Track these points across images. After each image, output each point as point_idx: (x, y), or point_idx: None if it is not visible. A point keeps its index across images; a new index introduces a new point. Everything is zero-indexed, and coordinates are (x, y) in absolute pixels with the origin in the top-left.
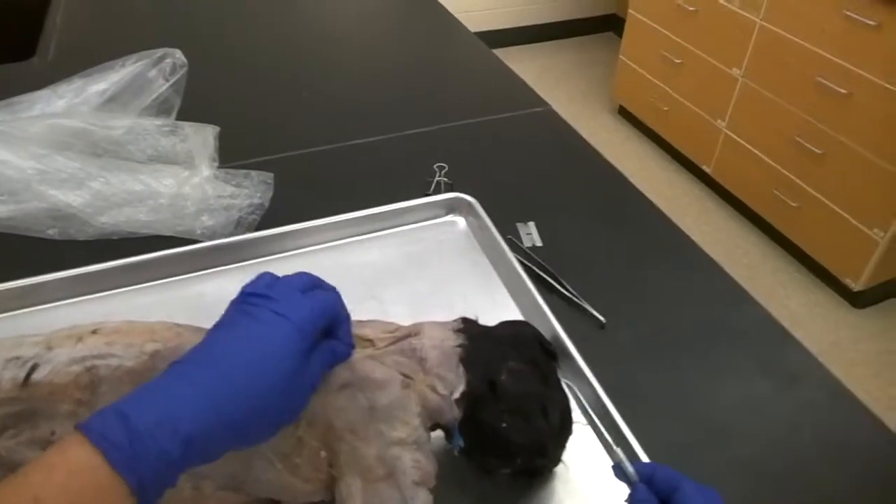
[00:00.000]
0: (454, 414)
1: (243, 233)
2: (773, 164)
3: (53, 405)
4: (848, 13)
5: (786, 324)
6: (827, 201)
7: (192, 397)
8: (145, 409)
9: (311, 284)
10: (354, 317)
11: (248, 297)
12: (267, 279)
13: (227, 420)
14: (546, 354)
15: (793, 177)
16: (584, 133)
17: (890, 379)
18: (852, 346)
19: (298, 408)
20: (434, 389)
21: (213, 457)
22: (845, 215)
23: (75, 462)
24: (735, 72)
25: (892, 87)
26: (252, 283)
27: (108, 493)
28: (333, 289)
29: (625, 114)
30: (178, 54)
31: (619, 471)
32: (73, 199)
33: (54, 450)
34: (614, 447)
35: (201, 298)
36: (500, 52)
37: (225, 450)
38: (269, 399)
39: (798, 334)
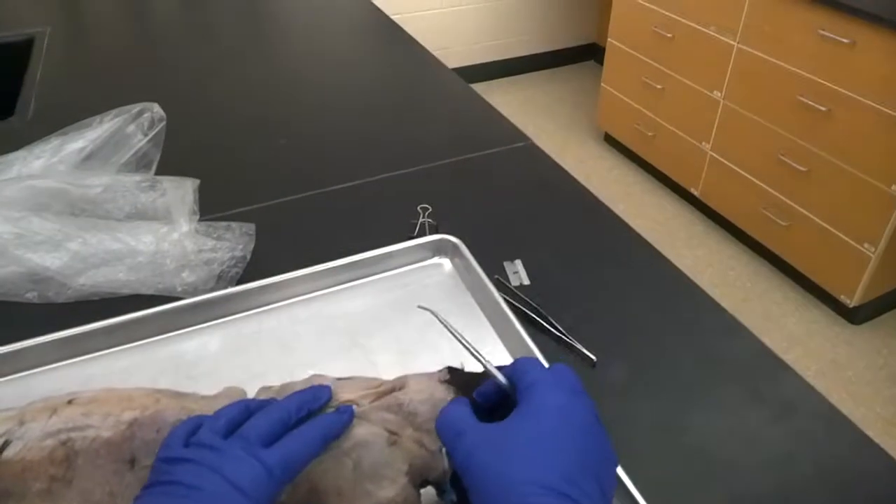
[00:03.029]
0: (444, 468)
1: (225, 287)
2: (760, 183)
3: (26, 483)
4: (823, 32)
5: (783, 343)
6: (816, 218)
7: None
8: None
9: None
10: (339, 366)
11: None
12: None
13: None
14: None
15: (780, 195)
16: (572, 161)
17: (890, 395)
18: (851, 363)
19: None
20: (422, 445)
21: None
22: (835, 231)
23: None
24: (716, 94)
25: (869, 103)
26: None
27: None
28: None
29: (611, 141)
30: (156, 108)
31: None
32: (50, 261)
33: None
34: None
35: (182, 358)
36: (483, 86)
37: None
38: None
39: (796, 353)
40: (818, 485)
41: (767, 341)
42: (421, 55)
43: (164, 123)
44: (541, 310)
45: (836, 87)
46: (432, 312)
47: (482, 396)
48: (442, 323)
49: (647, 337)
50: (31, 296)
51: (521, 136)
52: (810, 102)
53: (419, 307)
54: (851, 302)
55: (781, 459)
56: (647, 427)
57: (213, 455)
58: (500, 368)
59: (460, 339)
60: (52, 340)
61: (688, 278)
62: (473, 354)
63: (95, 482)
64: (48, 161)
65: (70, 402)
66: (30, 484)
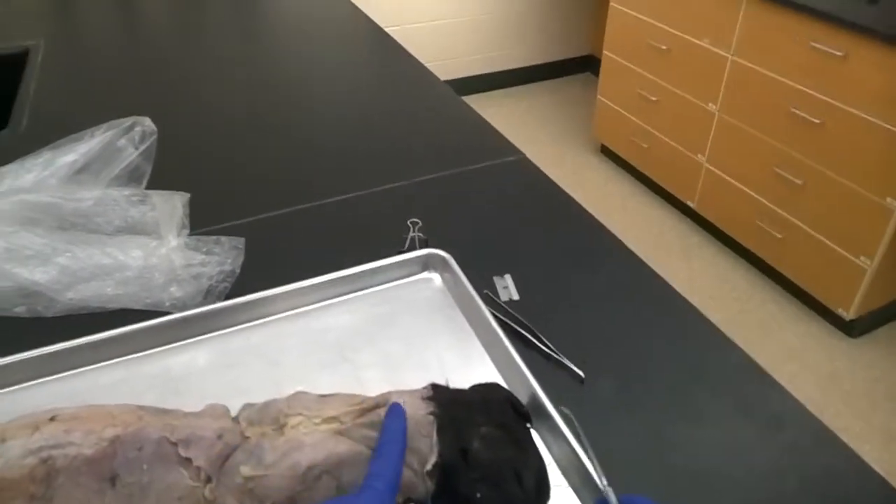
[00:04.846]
0: (427, 488)
1: (213, 302)
2: (756, 195)
3: (4, 503)
4: (815, 45)
5: (780, 356)
6: (811, 231)
7: None
8: None
9: None
10: (327, 381)
11: None
12: None
13: None
14: (519, 416)
15: (775, 208)
16: (567, 173)
17: (888, 409)
18: (849, 376)
19: None
20: (405, 464)
21: None
22: (831, 244)
23: None
24: (711, 107)
25: (861, 115)
26: None
27: None
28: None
29: (607, 152)
30: (148, 122)
31: None
32: (39, 276)
33: None
34: (601, 479)
35: (168, 373)
36: (479, 98)
37: None
38: None
39: (793, 366)
40: (805, 499)
41: (764, 354)
42: (414, 67)
43: (155, 137)
44: (530, 326)
45: (828, 99)
46: (570, 415)
47: None
48: (577, 428)
49: (635, 351)
50: (20, 310)
51: (513, 149)
52: (803, 114)
53: (561, 409)
54: (848, 315)
55: (769, 473)
56: (634, 442)
57: None
58: (621, 499)
59: (588, 450)
60: (39, 356)
61: (677, 293)
62: (596, 472)
63: (76, 500)
64: (39, 175)
65: (52, 418)
66: (8, 503)
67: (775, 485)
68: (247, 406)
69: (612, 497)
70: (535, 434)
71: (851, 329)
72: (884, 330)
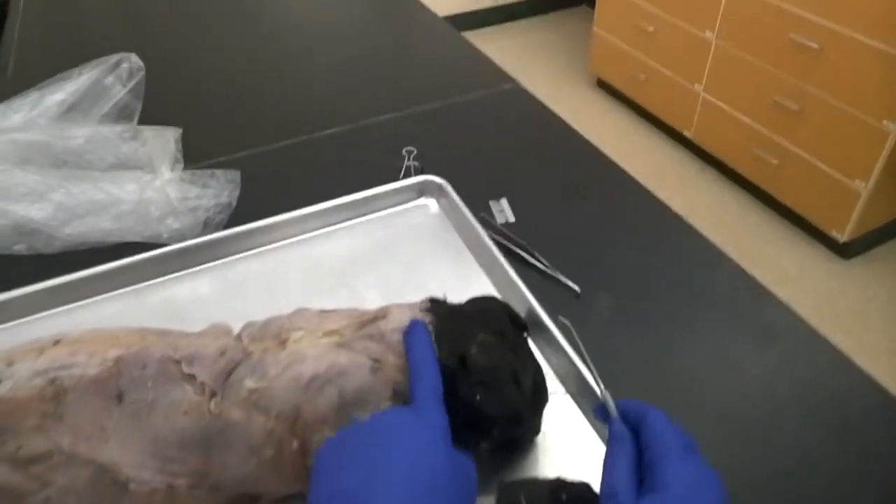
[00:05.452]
0: None
1: (211, 233)
2: (753, 123)
3: (18, 420)
4: None
5: (775, 280)
6: (807, 156)
7: None
8: None
9: None
10: (327, 304)
11: None
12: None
13: None
14: (515, 326)
15: (772, 135)
16: (564, 108)
17: (879, 327)
18: (842, 296)
19: None
20: (403, 371)
21: None
22: (826, 168)
23: None
24: (708, 35)
25: (860, 38)
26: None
27: None
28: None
29: (603, 86)
30: (134, 58)
31: (600, 411)
32: (35, 213)
33: None
34: (600, 386)
35: (172, 302)
36: (474, 34)
37: None
38: None
39: (788, 290)
40: (796, 404)
41: (759, 278)
42: (407, 1)
43: (142, 73)
44: (525, 245)
45: (827, 24)
46: (567, 324)
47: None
48: (574, 338)
49: (631, 269)
50: (19, 248)
51: (506, 78)
52: (802, 40)
53: (559, 319)
54: (842, 237)
55: (762, 381)
56: (629, 354)
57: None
58: (620, 404)
59: (586, 358)
60: (44, 289)
61: (672, 211)
62: (594, 379)
63: (86, 417)
64: (28, 115)
65: (56, 342)
66: (22, 421)
67: (769, 391)
68: (248, 324)
69: (611, 401)
70: (532, 346)
71: (845, 251)
72: (877, 251)
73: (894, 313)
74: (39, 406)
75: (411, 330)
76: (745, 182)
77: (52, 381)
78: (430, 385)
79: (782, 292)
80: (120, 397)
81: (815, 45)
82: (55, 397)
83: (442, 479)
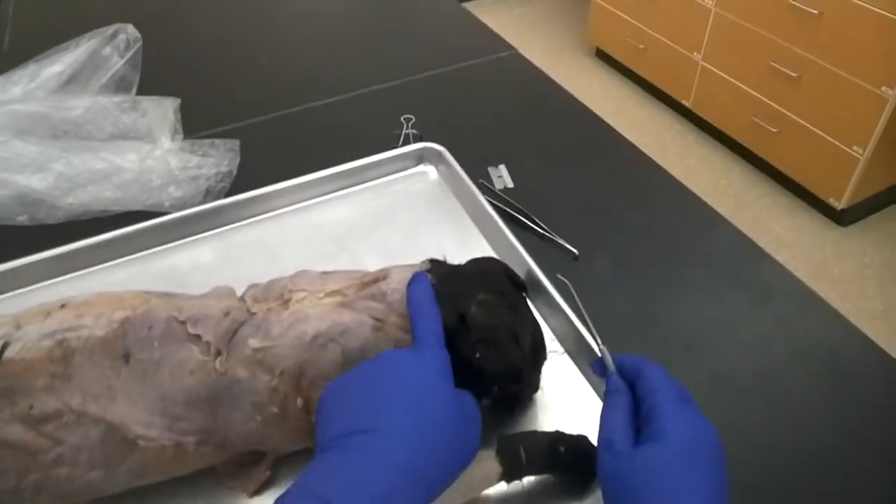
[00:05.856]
0: None
1: (213, 201)
2: (751, 91)
3: (29, 381)
4: None
5: (773, 247)
6: (806, 123)
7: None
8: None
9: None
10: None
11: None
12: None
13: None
14: (514, 285)
15: (771, 102)
16: (563, 78)
17: (874, 292)
18: (839, 263)
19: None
20: (405, 330)
21: None
22: (824, 136)
23: None
24: (707, 2)
25: (859, 3)
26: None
27: None
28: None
29: (602, 56)
30: (131, 29)
31: (598, 366)
32: (36, 183)
33: None
34: (597, 341)
35: (175, 270)
36: (473, 5)
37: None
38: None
39: (785, 256)
40: (793, 362)
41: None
42: None
43: (139, 44)
44: (523, 209)
45: None
46: (566, 282)
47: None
48: (572, 294)
49: (629, 232)
50: (22, 219)
51: (505, 45)
52: (801, 6)
53: (557, 277)
54: (840, 204)
55: (759, 340)
56: (627, 314)
57: None
58: (617, 359)
59: (583, 314)
60: (48, 258)
61: (671, 176)
62: (592, 334)
63: (94, 377)
64: (26, 87)
65: (63, 306)
66: (32, 381)
67: (763, 348)
68: (251, 286)
69: (608, 356)
70: (531, 307)
71: (842, 218)
72: (874, 218)
73: (890, 280)
74: (48, 367)
75: (413, 280)
76: (744, 150)
77: (60, 342)
78: (431, 326)
79: (779, 259)
80: (127, 357)
81: (814, 11)
82: (63, 358)
83: (446, 411)
